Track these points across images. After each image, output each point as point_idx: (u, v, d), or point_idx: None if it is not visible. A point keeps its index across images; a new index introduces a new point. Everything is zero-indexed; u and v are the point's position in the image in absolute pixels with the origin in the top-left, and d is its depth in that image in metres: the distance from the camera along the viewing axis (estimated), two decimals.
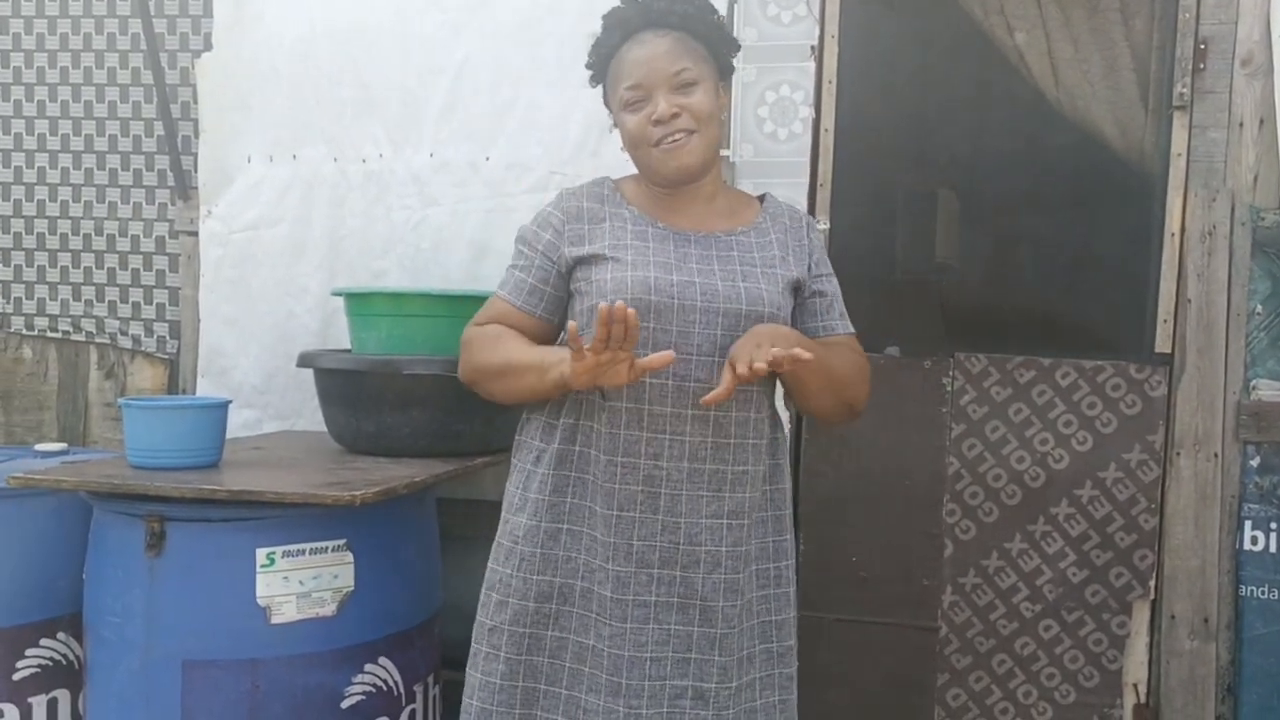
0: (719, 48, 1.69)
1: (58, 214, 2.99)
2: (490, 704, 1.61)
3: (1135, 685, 2.45)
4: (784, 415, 2.47)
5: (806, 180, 2.52)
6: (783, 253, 1.69)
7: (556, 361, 1.54)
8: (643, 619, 1.59)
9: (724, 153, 2.51)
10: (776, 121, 2.53)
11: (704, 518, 1.60)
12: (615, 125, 1.70)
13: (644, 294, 1.57)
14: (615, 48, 1.66)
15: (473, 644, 1.67)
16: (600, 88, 1.73)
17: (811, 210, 2.53)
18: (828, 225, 2.54)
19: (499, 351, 1.64)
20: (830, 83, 2.53)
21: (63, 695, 2.18)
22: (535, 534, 1.63)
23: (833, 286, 1.76)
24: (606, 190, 1.72)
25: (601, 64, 1.70)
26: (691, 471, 1.59)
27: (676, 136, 1.60)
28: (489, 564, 1.69)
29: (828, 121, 2.54)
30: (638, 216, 1.67)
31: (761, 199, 1.79)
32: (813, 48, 2.50)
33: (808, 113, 2.51)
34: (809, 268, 1.72)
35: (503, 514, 1.70)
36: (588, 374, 1.48)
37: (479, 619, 1.67)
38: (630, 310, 1.42)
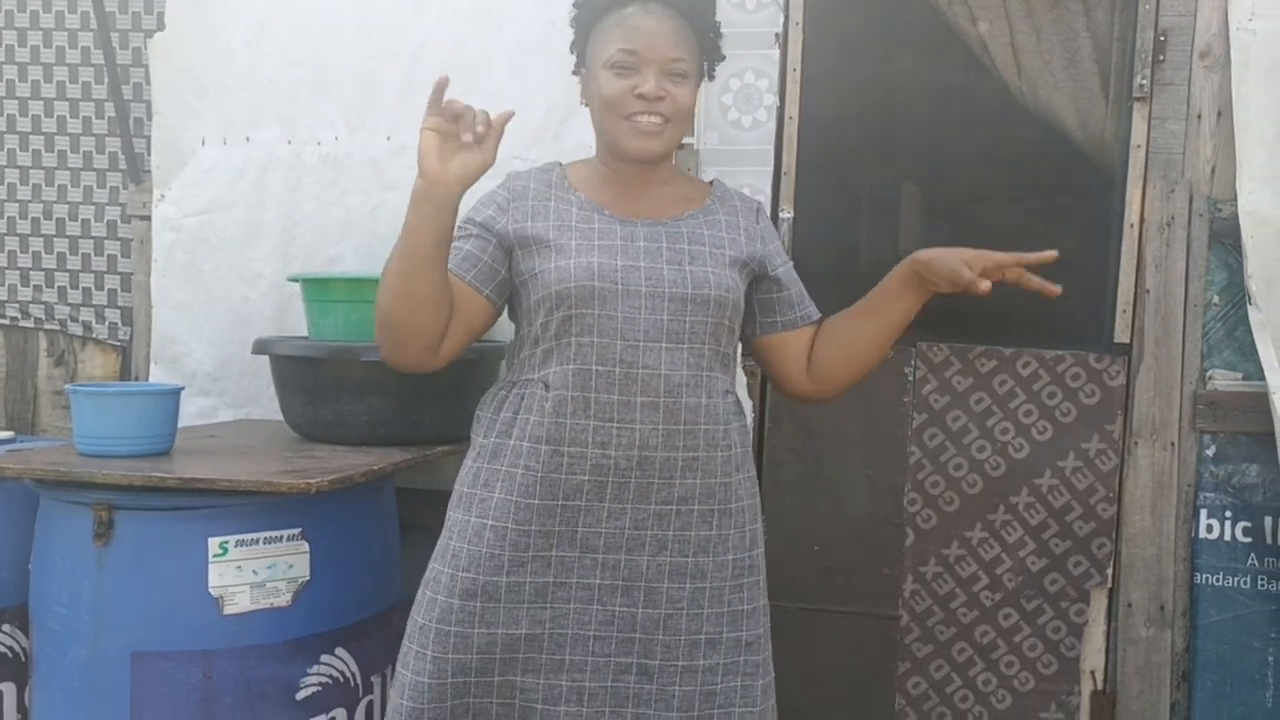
0: (710, 49, 1.69)
1: (4, 197, 2.91)
2: (420, 702, 1.57)
3: (1092, 672, 2.47)
4: (747, 405, 2.48)
5: (771, 168, 2.51)
6: (731, 234, 1.69)
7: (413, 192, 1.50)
8: (586, 600, 1.58)
9: (688, 140, 2.52)
10: (741, 109, 2.51)
11: (652, 504, 1.58)
12: (582, 75, 1.67)
13: (587, 280, 1.56)
14: (616, 3, 1.62)
15: (405, 641, 1.63)
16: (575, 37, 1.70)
17: (776, 199, 2.52)
18: (792, 214, 2.53)
19: (386, 263, 1.56)
20: (795, 70, 2.53)
21: (8, 689, 2.13)
22: (465, 529, 1.60)
23: (794, 275, 1.77)
24: (554, 176, 1.70)
25: (595, 11, 1.65)
26: (641, 459, 1.57)
27: (654, 119, 1.59)
28: (430, 562, 1.66)
29: (792, 109, 2.53)
30: (584, 202, 1.66)
31: (711, 183, 1.79)
32: (777, 35, 2.49)
33: (772, 100, 2.50)
34: (763, 253, 1.72)
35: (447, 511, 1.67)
36: (433, 152, 1.47)
37: (413, 616, 1.63)
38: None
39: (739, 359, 2.51)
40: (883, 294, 1.70)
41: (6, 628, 2.11)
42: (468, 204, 1.60)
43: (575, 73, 1.71)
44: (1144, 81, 2.37)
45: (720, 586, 1.63)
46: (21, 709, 2.12)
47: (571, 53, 1.71)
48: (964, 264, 1.59)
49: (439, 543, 1.65)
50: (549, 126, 2.50)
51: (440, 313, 1.56)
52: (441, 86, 1.45)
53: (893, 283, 1.68)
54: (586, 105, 1.67)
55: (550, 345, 1.59)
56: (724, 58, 1.73)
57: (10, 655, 2.12)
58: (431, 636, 1.58)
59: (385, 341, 1.59)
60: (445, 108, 1.46)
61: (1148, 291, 2.40)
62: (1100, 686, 2.47)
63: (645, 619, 1.59)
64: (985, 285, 1.58)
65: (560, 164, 1.73)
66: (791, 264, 1.78)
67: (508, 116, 1.49)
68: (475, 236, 1.64)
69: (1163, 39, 2.37)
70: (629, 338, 1.56)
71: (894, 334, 1.71)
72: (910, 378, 2.51)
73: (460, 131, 1.46)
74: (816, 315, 1.77)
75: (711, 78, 1.73)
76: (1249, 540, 2.35)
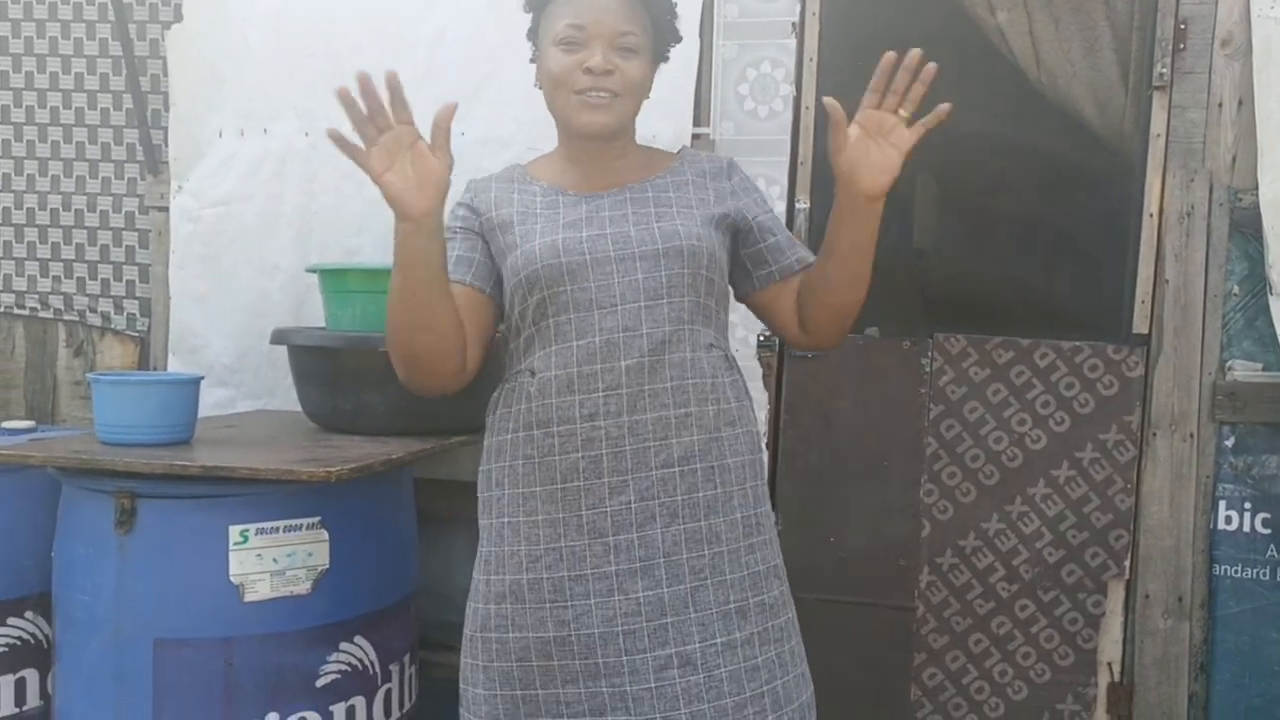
0: (664, 31, 1.67)
1: (24, 188, 2.93)
2: (482, 717, 1.57)
3: (1110, 664, 2.47)
4: (761, 397, 2.47)
5: (787, 159, 2.51)
6: (700, 194, 1.65)
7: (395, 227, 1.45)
8: (606, 592, 1.51)
9: (704, 130, 2.52)
10: (757, 99, 2.51)
11: (653, 469, 1.52)
12: (535, 58, 1.66)
13: (553, 258, 1.54)
14: None
15: (464, 656, 1.62)
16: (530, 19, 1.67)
17: (792, 189, 2.52)
18: (808, 204, 2.52)
19: (388, 312, 1.52)
20: (811, 60, 2.52)
21: (31, 675, 2.14)
22: (489, 532, 1.59)
23: (779, 223, 1.71)
24: (516, 174, 1.70)
25: None
26: (632, 424, 1.52)
27: (602, 94, 1.57)
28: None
29: (809, 99, 2.53)
30: (547, 189, 1.65)
31: (680, 151, 1.76)
32: (794, 25, 2.49)
33: (789, 90, 2.49)
34: (739, 206, 1.67)
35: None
36: (387, 175, 1.37)
37: (464, 629, 1.62)
38: (361, 75, 1.34)
39: (756, 351, 2.52)
40: (830, 226, 1.59)
41: (30, 615, 2.13)
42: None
43: (531, 60, 1.68)
44: (1164, 70, 2.36)
45: (736, 549, 1.57)
46: (45, 696, 2.14)
47: (528, 39, 1.69)
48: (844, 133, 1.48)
49: (477, 554, 1.64)
50: None
51: (460, 331, 1.54)
52: (345, 97, 1.36)
53: (834, 209, 1.57)
54: (540, 88, 1.64)
55: (531, 332, 1.57)
56: (680, 39, 1.71)
57: (34, 642, 2.14)
58: (479, 646, 1.57)
59: (414, 377, 1.56)
60: (366, 109, 1.36)
61: (1167, 282, 2.39)
62: (1118, 678, 2.46)
63: (673, 598, 1.52)
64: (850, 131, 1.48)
65: (519, 164, 1.73)
66: (773, 212, 1.71)
67: (451, 110, 1.41)
68: (460, 238, 1.63)
69: (1183, 27, 2.35)
70: (605, 305, 1.53)
71: (851, 265, 1.57)
72: (927, 369, 2.51)
73: (387, 124, 1.37)
74: (810, 258, 1.68)
75: (666, 59, 1.70)
76: (1269, 532, 2.34)
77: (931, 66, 1.46)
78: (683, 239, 1.57)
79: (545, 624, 1.52)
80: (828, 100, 1.46)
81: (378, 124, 1.38)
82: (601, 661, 1.51)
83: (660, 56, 1.68)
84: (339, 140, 1.36)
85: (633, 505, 1.52)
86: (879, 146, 1.49)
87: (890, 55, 1.47)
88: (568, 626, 1.52)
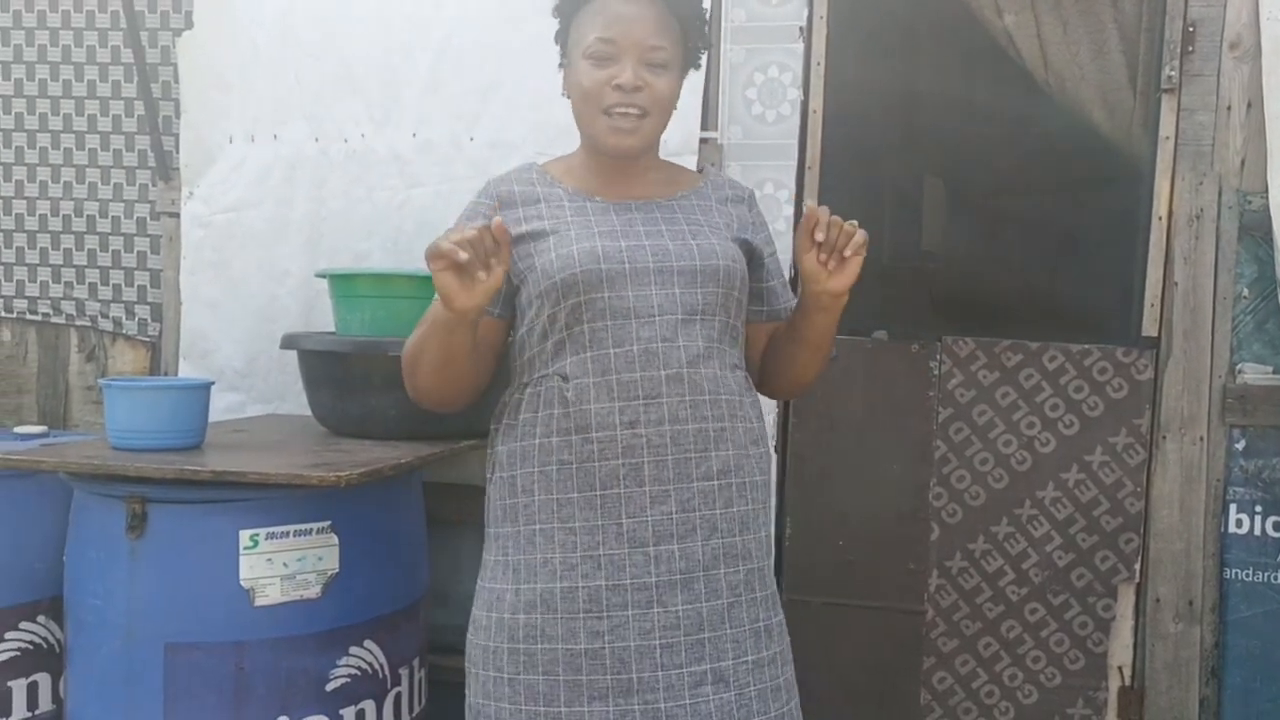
0: (694, 40, 1.64)
1: (36, 195, 2.95)
2: None
3: (1120, 668, 2.46)
4: (770, 402, 2.47)
5: (795, 163, 2.51)
6: (725, 218, 1.66)
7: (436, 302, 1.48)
8: (645, 604, 1.48)
9: (711, 134, 2.53)
10: (765, 103, 2.51)
11: (695, 481, 1.52)
12: (564, 66, 1.63)
13: (593, 264, 1.52)
14: None
15: (472, 668, 1.57)
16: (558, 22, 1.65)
17: (800, 193, 2.52)
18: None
19: (411, 344, 1.58)
20: (819, 64, 2.52)
21: (43, 679, 2.16)
22: (518, 540, 1.55)
23: (780, 267, 1.75)
24: (535, 174, 1.66)
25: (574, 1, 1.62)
26: (675, 434, 1.51)
27: (630, 111, 1.54)
28: (480, 583, 1.60)
29: (816, 104, 2.53)
30: (573, 192, 1.62)
31: (701, 171, 1.76)
32: (801, 29, 2.49)
33: (796, 94, 2.49)
34: (754, 241, 1.68)
35: (488, 530, 1.63)
36: (444, 273, 1.39)
37: (477, 642, 1.57)
38: (496, 221, 1.41)
39: None
40: (796, 313, 1.66)
41: (41, 619, 2.14)
42: (450, 222, 1.61)
43: (560, 66, 1.66)
44: (1173, 73, 2.36)
45: (762, 566, 1.58)
46: (57, 700, 2.15)
47: (556, 43, 1.67)
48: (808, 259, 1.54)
49: (490, 562, 1.60)
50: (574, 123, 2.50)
51: (480, 367, 1.58)
52: (436, 251, 1.39)
53: (799, 299, 1.64)
54: (568, 97, 1.62)
55: (561, 337, 1.54)
56: (710, 46, 1.69)
57: (45, 646, 2.15)
58: (505, 657, 1.52)
59: (426, 403, 1.62)
60: (455, 249, 1.38)
61: (1176, 285, 2.38)
62: (1128, 682, 2.46)
63: (710, 613, 1.50)
64: (835, 278, 1.53)
65: (536, 164, 1.70)
66: (776, 254, 1.74)
67: (502, 224, 1.42)
68: None
69: (1192, 29, 2.35)
70: (643, 315, 1.52)
71: (813, 348, 1.65)
72: (936, 372, 2.51)
73: (481, 261, 1.40)
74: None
75: (698, 67, 1.69)
76: None
77: (857, 237, 1.52)
78: (720, 258, 1.57)
79: (577, 635, 1.49)
80: (808, 205, 1.49)
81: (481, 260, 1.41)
82: (635, 677, 1.49)
83: (690, 66, 1.66)
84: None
85: (674, 516, 1.51)
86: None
87: (810, 210, 1.53)
88: (601, 638, 1.49)
